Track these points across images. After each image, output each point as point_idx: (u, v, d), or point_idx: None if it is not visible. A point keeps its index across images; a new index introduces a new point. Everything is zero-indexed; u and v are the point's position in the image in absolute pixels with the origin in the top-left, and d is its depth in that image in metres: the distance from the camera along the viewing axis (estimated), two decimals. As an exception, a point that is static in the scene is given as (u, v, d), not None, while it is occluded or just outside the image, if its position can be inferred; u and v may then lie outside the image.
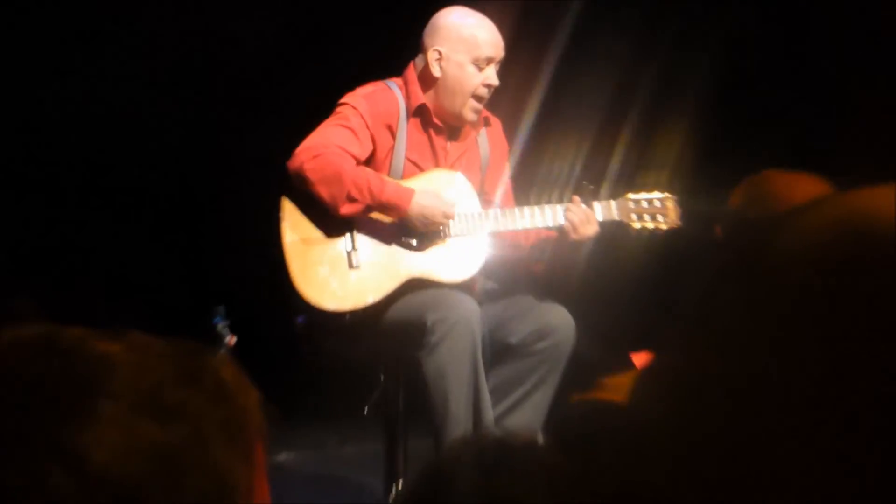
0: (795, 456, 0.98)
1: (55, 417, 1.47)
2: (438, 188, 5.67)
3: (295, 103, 8.17)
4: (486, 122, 5.98)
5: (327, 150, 5.49)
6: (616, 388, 2.29)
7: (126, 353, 1.56)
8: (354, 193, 5.45)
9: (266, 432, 1.63)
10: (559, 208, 5.71)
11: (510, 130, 6.42)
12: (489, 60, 5.70)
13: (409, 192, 5.51)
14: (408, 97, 5.74)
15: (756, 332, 1.02)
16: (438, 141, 5.80)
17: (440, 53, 5.72)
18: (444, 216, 5.57)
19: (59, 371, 1.52)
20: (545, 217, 5.70)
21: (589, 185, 5.86)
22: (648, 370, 1.21)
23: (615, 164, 6.69)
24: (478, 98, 5.71)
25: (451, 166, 5.84)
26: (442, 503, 2.11)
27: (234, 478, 1.55)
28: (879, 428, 0.94)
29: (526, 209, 5.78)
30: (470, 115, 5.73)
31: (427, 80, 5.76)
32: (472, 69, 5.69)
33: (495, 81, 5.74)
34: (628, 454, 1.16)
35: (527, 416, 5.69)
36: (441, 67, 5.72)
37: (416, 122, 5.75)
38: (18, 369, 1.52)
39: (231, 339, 5.75)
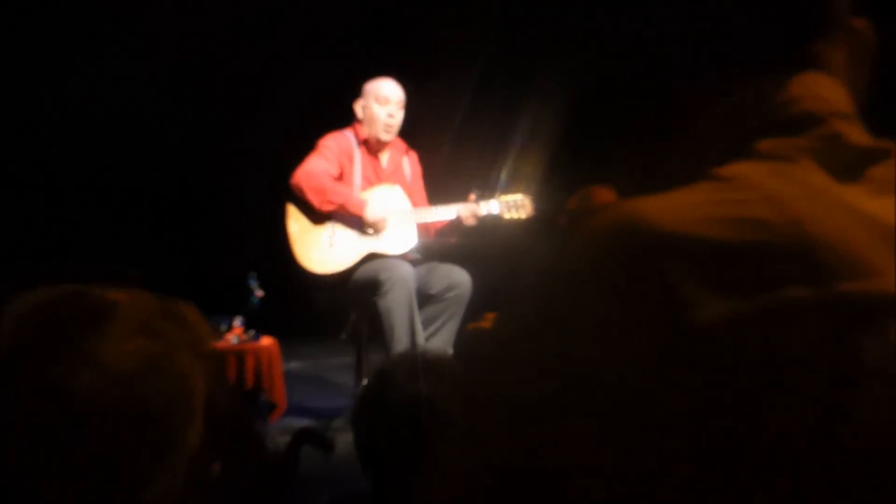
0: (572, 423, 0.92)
1: (82, 336, 1.73)
2: (384, 195, 7.27)
3: (304, 107, 9.34)
4: (408, 153, 7.55)
5: (314, 171, 7.15)
6: (490, 320, 2.58)
7: (127, 298, 1.83)
8: (331, 198, 7.10)
9: (214, 358, 1.92)
10: (458, 206, 7.27)
11: (427, 153, 7.79)
12: (387, 101, 7.38)
13: (363, 202, 7.12)
14: (357, 136, 7.36)
15: (544, 310, 0.96)
16: (377, 164, 7.42)
17: (362, 102, 7.38)
18: (382, 217, 7.14)
19: (84, 307, 1.78)
20: (449, 212, 7.27)
21: (477, 190, 7.27)
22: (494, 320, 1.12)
23: (495, 174, 7.65)
24: (386, 126, 7.39)
25: (388, 179, 7.42)
26: (386, 393, 2.81)
27: (195, 381, 1.81)
28: (650, 397, 0.88)
29: (437, 207, 7.33)
30: (384, 137, 7.38)
31: (360, 121, 7.40)
32: (377, 107, 7.36)
33: (397, 114, 7.38)
34: (488, 360, 1.06)
35: (443, 339, 7.08)
36: (363, 109, 7.37)
37: (363, 151, 7.37)
38: (55, 307, 1.78)
39: (259, 293, 7.44)
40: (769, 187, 0.95)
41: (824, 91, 1.05)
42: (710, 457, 0.88)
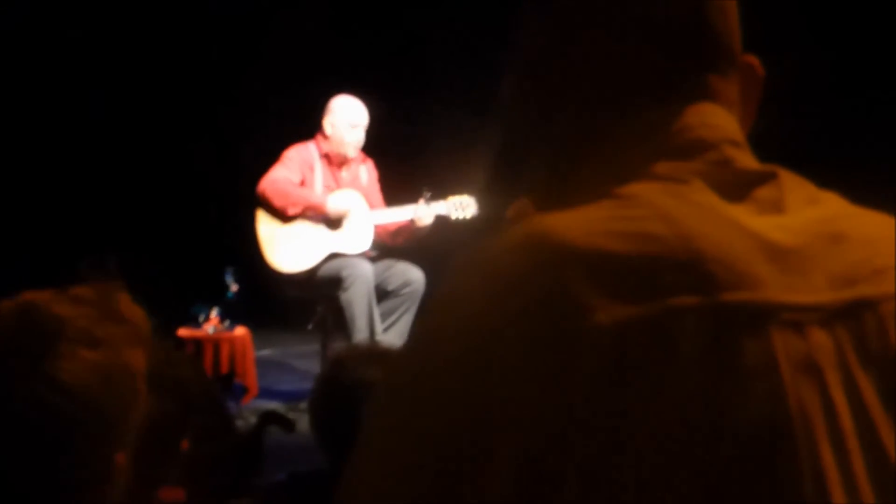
0: None
1: (35, 356, 1.70)
2: (344, 198, 7.36)
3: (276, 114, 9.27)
4: (365, 161, 7.61)
5: (278, 178, 7.26)
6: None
7: (71, 308, 1.78)
8: (295, 201, 7.20)
9: (150, 338, 1.84)
10: (412, 207, 7.39)
11: (385, 161, 7.89)
12: (357, 125, 7.41)
13: (325, 198, 7.23)
14: (318, 149, 7.41)
15: (452, 318, 0.93)
16: (337, 173, 7.46)
17: (331, 121, 7.39)
18: (344, 209, 7.24)
19: (34, 327, 1.74)
20: (405, 213, 7.39)
21: (428, 193, 7.37)
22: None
23: (446, 178, 7.62)
24: (354, 148, 7.43)
25: (347, 186, 7.46)
26: (339, 379, 2.88)
27: (138, 366, 1.79)
28: (548, 391, 0.86)
29: (392, 209, 7.47)
30: (352, 155, 7.43)
31: (325, 136, 7.42)
32: (348, 130, 7.38)
33: (363, 136, 7.40)
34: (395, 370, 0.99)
35: (399, 331, 7.20)
36: (331, 127, 7.40)
37: (324, 162, 7.43)
38: (7, 328, 1.73)
39: (234, 287, 7.53)
40: (663, 205, 0.96)
41: (716, 120, 1.07)
42: (604, 448, 0.88)
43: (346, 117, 7.46)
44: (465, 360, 0.92)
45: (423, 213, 7.39)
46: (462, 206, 7.40)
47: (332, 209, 7.33)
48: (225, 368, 7.35)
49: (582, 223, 0.94)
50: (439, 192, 7.51)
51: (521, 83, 1.13)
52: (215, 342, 7.41)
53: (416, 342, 1.00)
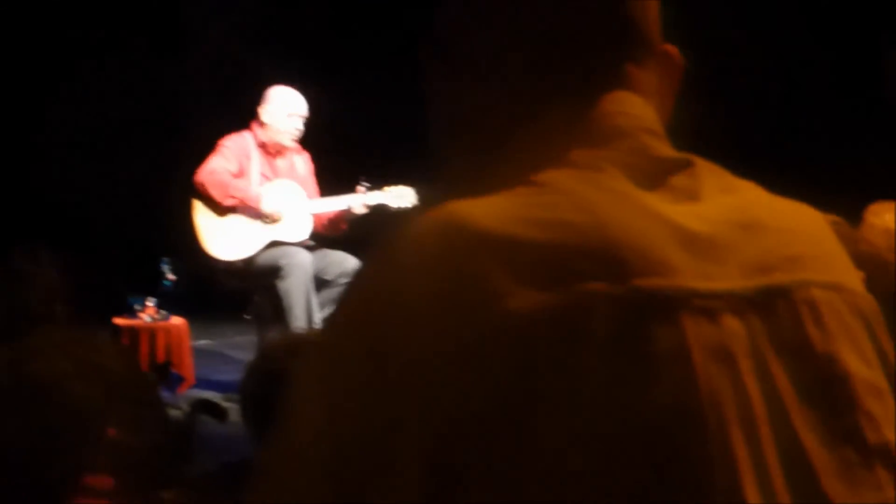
0: None
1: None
2: (281, 189, 7.35)
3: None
4: (301, 152, 7.59)
5: (215, 169, 7.22)
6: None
7: (60, 363, 1.90)
8: (231, 193, 7.18)
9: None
10: (350, 196, 7.36)
11: (323, 152, 7.87)
12: (295, 115, 7.41)
13: (260, 196, 7.21)
14: (255, 138, 7.39)
15: (367, 304, 0.93)
16: (273, 162, 7.45)
17: (268, 110, 7.38)
18: (277, 209, 7.23)
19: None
20: (340, 203, 7.38)
21: (366, 183, 7.37)
22: None
23: (386, 169, 7.63)
24: (292, 137, 7.42)
25: (284, 176, 7.45)
26: (270, 367, 2.88)
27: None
28: (462, 375, 0.87)
29: (330, 198, 7.46)
30: (290, 144, 7.45)
31: (262, 124, 7.40)
32: (286, 119, 7.38)
33: (301, 126, 7.42)
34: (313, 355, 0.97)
35: None
36: (269, 115, 7.38)
37: (261, 151, 7.40)
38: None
39: (171, 276, 7.44)
40: (577, 192, 0.96)
41: (633, 109, 1.07)
42: (515, 434, 0.89)
43: (284, 106, 7.46)
44: (376, 346, 0.92)
45: (360, 202, 7.38)
46: (401, 196, 7.40)
47: (267, 208, 7.33)
48: (161, 358, 7.33)
49: (496, 210, 0.95)
50: (377, 182, 7.50)
51: (435, 71, 1.12)
52: (151, 332, 7.37)
53: (330, 328, 1.00)
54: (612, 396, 0.89)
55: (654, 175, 1.01)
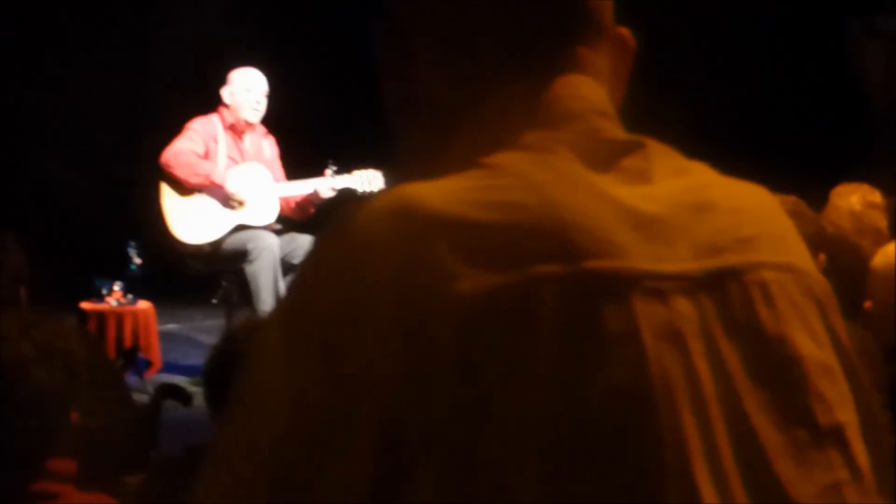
0: None
1: None
2: (248, 172, 7.36)
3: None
4: (267, 136, 7.62)
5: (181, 150, 7.24)
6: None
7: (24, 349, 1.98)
8: (197, 171, 7.20)
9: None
10: (317, 180, 7.41)
11: (290, 135, 7.93)
12: (254, 89, 7.44)
13: (225, 175, 7.22)
14: (222, 120, 7.41)
15: (314, 289, 0.92)
16: (240, 144, 7.46)
17: (230, 90, 7.42)
18: (242, 189, 7.24)
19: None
20: (310, 186, 7.41)
21: (334, 166, 7.39)
22: None
23: (354, 153, 7.55)
24: (253, 111, 7.46)
25: (251, 159, 7.46)
26: (234, 350, 2.85)
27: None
28: (413, 358, 0.86)
29: (297, 181, 7.50)
30: (252, 118, 7.45)
31: (227, 106, 7.43)
32: (245, 94, 7.41)
33: (262, 101, 7.46)
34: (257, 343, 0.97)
35: None
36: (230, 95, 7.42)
37: (228, 134, 7.42)
38: None
39: (137, 260, 7.44)
40: (528, 175, 0.96)
41: (585, 91, 1.07)
42: (464, 415, 0.89)
43: (244, 83, 7.49)
44: (324, 329, 0.92)
45: (328, 186, 7.41)
46: (369, 180, 7.41)
47: (232, 189, 7.33)
48: (128, 342, 7.33)
49: (447, 192, 0.94)
50: (345, 166, 7.52)
51: (387, 52, 1.13)
52: (118, 316, 7.37)
53: (278, 312, 0.99)
54: (562, 378, 0.89)
55: (606, 157, 1.00)
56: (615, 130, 1.05)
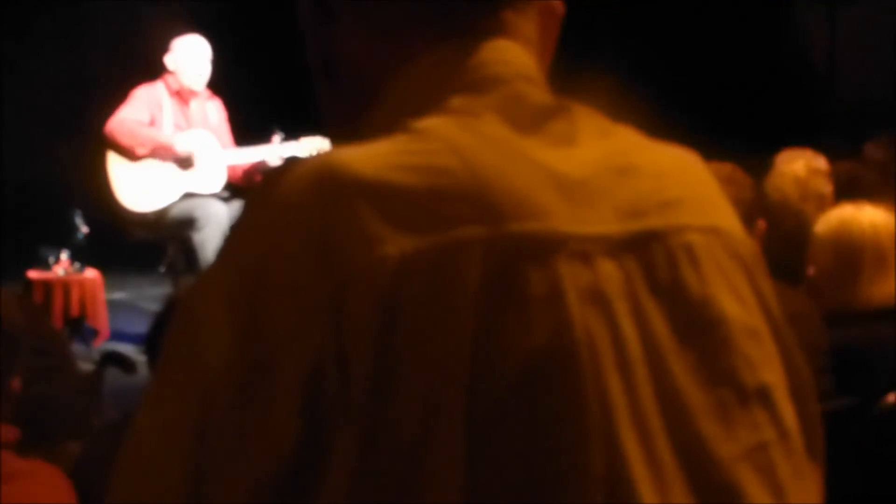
0: None
1: None
2: (194, 138, 7.37)
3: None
4: (212, 99, 7.63)
5: (125, 119, 7.26)
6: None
7: None
8: (142, 141, 7.21)
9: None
10: (264, 147, 7.46)
11: (237, 102, 7.93)
12: (198, 54, 7.47)
13: (172, 139, 7.27)
14: (167, 87, 7.44)
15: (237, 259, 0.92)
16: (186, 111, 7.48)
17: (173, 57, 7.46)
18: (191, 150, 7.27)
19: None
20: (257, 153, 7.46)
21: (280, 133, 7.45)
22: None
23: (302, 120, 7.04)
24: (197, 77, 7.50)
25: (197, 125, 7.46)
26: (172, 313, 3.42)
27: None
28: (333, 322, 0.86)
29: (244, 149, 7.54)
30: (196, 86, 7.50)
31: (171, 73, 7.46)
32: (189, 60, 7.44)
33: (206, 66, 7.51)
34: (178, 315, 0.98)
35: None
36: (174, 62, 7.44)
37: (173, 100, 7.43)
38: None
39: (84, 228, 7.40)
40: (454, 139, 0.96)
41: (511, 56, 1.07)
42: (388, 375, 0.89)
43: (187, 49, 7.53)
44: (248, 292, 0.92)
45: (275, 154, 7.42)
46: (316, 148, 7.37)
47: (181, 148, 7.33)
48: (75, 311, 7.32)
49: (372, 157, 0.95)
50: (293, 133, 7.51)
51: (311, 14, 1.12)
52: (65, 284, 7.34)
53: (206, 273, 0.99)
54: (485, 341, 0.90)
55: (532, 121, 1.01)
56: (541, 95, 1.06)
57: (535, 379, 0.91)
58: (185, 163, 7.35)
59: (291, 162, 0.99)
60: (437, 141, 0.96)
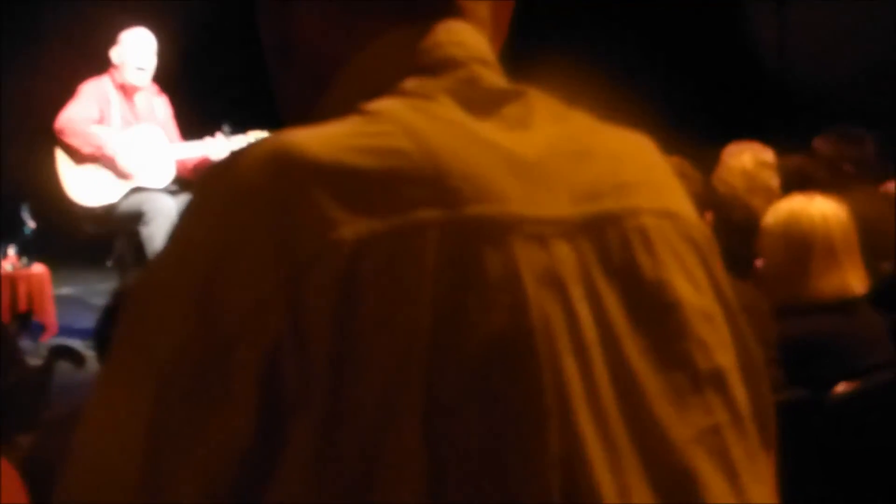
0: None
1: None
2: (142, 134, 7.38)
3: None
4: (159, 94, 7.68)
5: (74, 117, 7.27)
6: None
7: None
8: (91, 141, 7.22)
9: None
10: (211, 141, 7.45)
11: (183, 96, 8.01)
12: (141, 48, 7.47)
13: (117, 150, 7.25)
14: (113, 81, 7.45)
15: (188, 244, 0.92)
16: (132, 106, 7.49)
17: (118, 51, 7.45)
18: (132, 165, 7.24)
19: None
20: (204, 147, 7.46)
21: (227, 127, 7.47)
22: None
23: (249, 113, 7.03)
24: (140, 71, 7.51)
25: (144, 119, 7.48)
26: (120, 305, 3.55)
27: None
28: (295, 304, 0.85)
29: (192, 143, 7.54)
30: (139, 81, 7.49)
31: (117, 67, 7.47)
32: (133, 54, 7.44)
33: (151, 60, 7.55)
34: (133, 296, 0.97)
35: None
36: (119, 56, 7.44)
37: (120, 95, 7.45)
38: None
39: (31, 223, 7.43)
40: (408, 121, 0.96)
41: (466, 38, 1.07)
42: (343, 361, 0.88)
43: (132, 43, 7.53)
44: (201, 278, 0.91)
45: (222, 147, 7.40)
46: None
47: (122, 163, 7.35)
48: (23, 307, 7.31)
49: (326, 139, 0.94)
50: (240, 127, 7.49)
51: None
52: (12, 280, 7.33)
53: (157, 259, 0.98)
54: (442, 324, 0.89)
55: (486, 104, 1.01)
56: (495, 78, 1.06)
57: (493, 360, 0.91)
58: (123, 176, 7.36)
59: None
60: (392, 123, 0.96)
